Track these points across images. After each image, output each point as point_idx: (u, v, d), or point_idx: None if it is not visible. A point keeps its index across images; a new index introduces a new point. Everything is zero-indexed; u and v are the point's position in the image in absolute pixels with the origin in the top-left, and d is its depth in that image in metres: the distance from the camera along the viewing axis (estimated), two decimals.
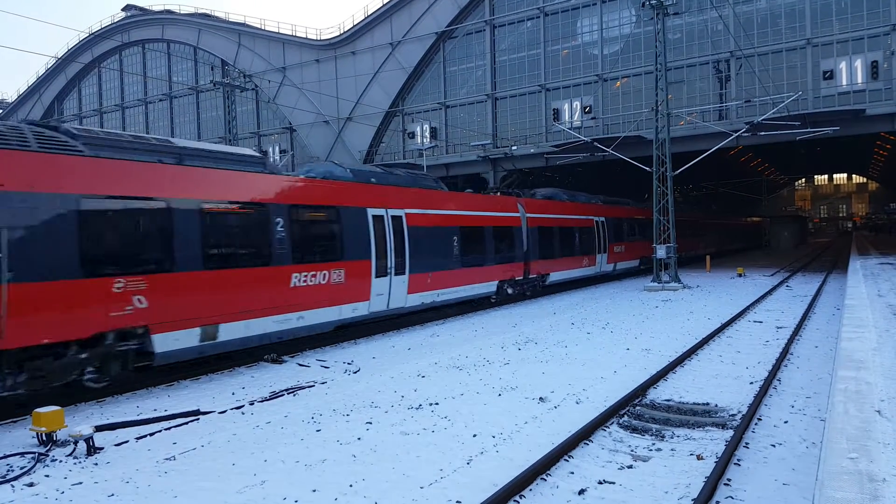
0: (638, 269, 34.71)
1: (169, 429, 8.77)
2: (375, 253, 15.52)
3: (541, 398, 9.90)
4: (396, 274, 16.27)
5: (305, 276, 13.48)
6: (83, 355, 9.84)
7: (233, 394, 10.72)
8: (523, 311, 20.92)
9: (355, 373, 12.14)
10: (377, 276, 15.59)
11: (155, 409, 9.74)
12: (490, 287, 20.81)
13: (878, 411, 5.96)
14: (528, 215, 23.24)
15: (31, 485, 6.89)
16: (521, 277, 22.63)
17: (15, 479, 7.03)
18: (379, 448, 7.80)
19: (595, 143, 31.70)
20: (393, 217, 16.30)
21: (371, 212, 15.52)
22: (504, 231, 21.53)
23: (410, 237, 16.84)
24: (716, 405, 9.34)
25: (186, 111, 58.52)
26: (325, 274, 13.98)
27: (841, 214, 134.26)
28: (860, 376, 7.28)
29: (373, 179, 16.57)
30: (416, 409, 9.49)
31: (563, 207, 26.42)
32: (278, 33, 51.00)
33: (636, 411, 9.08)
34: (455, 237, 18.83)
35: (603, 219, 29.51)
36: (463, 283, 19.24)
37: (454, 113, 44.20)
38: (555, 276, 25.09)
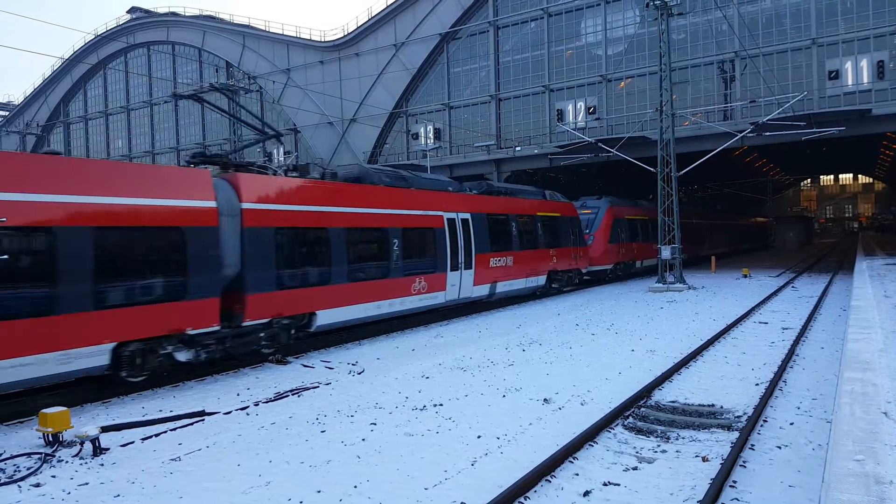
0: (547, 290, 24.71)
1: (174, 429, 8.79)
2: None
3: (545, 399, 9.89)
4: None
5: None
6: None
7: (238, 395, 10.75)
8: (527, 312, 20.90)
9: (360, 374, 12.15)
10: None
11: (160, 410, 9.77)
12: (83, 361, 9.97)
13: (885, 413, 5.93)
14: (251, 206, 12.62)
15: (37, 485, 6.92)
16: (218, 327, 11.95)
17: (22, 479, 7.07)
18: (383, 449, 7.80)
19: (599, 144, 31.66)
20: None
21: None
22: (148, 237, 11.02)
23: None
24: (721, 407, 9.32)
25: (191, 113, 58.69)
26: None
27: (847, 215, 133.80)
28: (866, 378, 7.25)
29: None
30: (421, 410, 9.50)
31: (353, 194, 15.36)
32: (282, 35, 51.13)
33: (641, 413, 9.06)
34: None
35: (468, 215, 19.35)
36: None
37: (458, 114, 44.21)
38: (334, 316, 14.54)
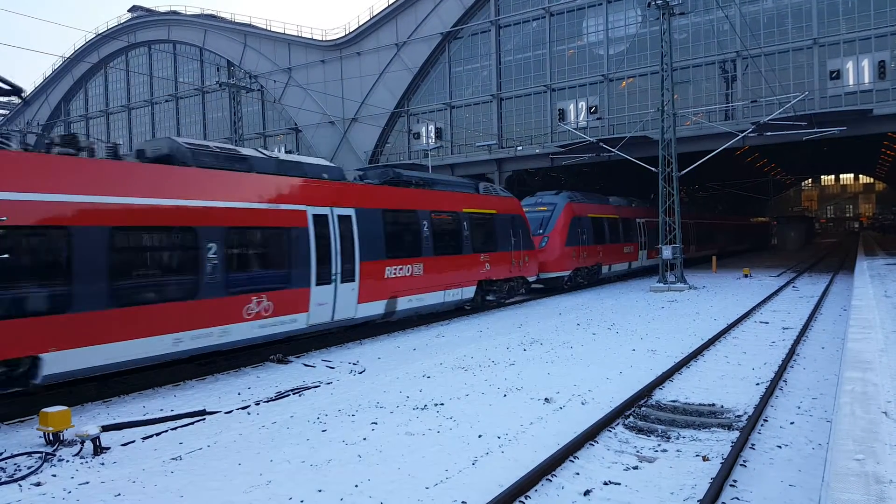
0: (479, 304, 20.63)
1: (175, 429, 8.80)
2: None
3: (546, 399, 9.90)
4: None
5: None
6: None
7: (238, 394, 10.76)
8: (529, 311, 20.90)
9: (361, 373, 12.16)
10: None
11: (161, 409, 9.77)
12: None
13: (885, 413, 5.94)
14: None
15: (38, 484, 6.93)
16: None
17: (22, 478, 7.08)
18: (384, 448, 7.81)
19: (600, 144, 31.65)
20: None
21: None
22: None
23: None
24: (722, 406, 9.32)
25: (192, 112, 58.73)
26: None
27: (847, 215, 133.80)
28: (867, 377, 7.26)
29: None
30: (422, 409, 9.50)
31: (140, 178, 10.67)
32: (284, 34, 51.15)
33: (642, 412, 9.07)
34: None
35: (350, 211, 14.98)
36: None
37: (459, 113, 44.21)
38: (80, 360, 9.64)
